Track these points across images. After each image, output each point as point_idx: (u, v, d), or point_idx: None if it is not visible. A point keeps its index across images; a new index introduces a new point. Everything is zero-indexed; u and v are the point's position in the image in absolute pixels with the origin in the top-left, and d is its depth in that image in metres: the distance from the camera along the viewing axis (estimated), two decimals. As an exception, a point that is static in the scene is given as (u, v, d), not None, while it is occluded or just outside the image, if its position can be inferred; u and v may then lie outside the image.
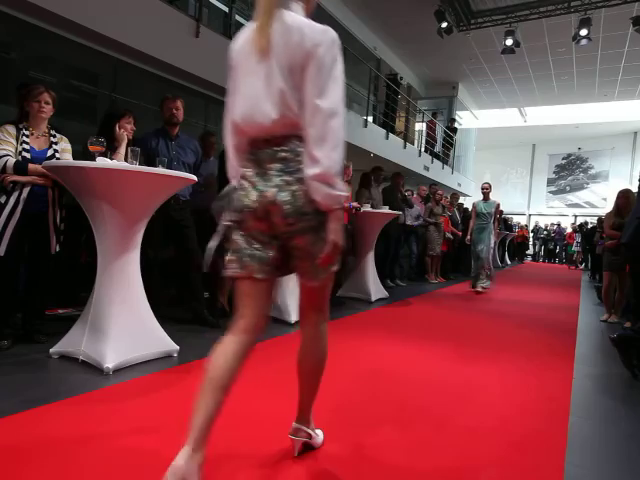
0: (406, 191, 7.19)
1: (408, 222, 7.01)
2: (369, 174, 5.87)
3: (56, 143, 2.78)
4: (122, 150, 2.98)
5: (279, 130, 1.37)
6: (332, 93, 1.32)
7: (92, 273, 2.60)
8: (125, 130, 3.11)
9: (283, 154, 1.38)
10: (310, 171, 1.32)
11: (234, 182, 1.50)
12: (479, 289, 6.90)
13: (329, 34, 1.35)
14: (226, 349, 1.51)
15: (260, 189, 1.38)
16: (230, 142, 1.51)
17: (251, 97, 1.39)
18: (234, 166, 1.51)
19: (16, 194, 2.59)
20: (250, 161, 1.43)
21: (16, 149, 2.61)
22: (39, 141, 2.73)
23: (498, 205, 6.95)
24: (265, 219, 1.39)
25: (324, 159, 1.30)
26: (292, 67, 1.33)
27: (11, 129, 2.63)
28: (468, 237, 7.04)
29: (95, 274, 2.58)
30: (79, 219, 3.03)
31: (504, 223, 13.59)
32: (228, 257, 1.46)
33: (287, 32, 1.33)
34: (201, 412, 1.34)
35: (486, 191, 6.91)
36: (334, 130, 1.31)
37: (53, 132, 2.80)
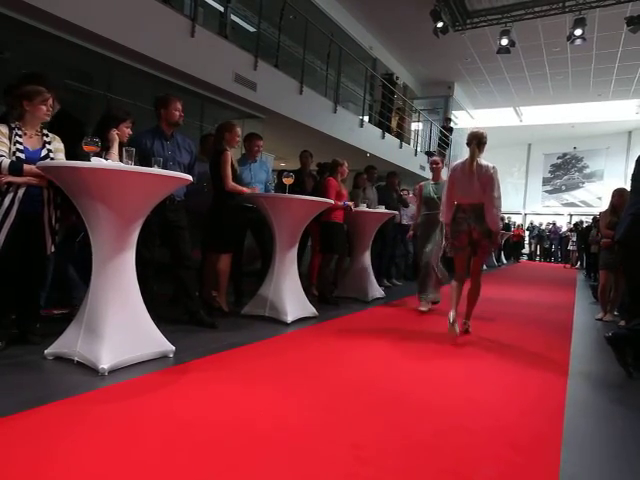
0: (402, 190, 7.15)
1: (404, 222, 7.00)
2: (363, 174, 5.88)
3: (49, 142, 2.76)
4: (115, 150, 2.97)
5: (474, 201, 3.59)
6: (498, 192, 3.55)
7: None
8: (122, 133, 3.10)
9: (476, 210, 3.59)
10: (489, 218, 3.53)
11: (443, 218, 3.86)
12: (423, 308, 4.85)
13: (495, 168, 3.58)
14: (456, 285, 3.80)
15: (468, 223, 3.61)
16: (449, 203, 3.73)
17: (464, 189, 3.63)
18: (448, 211, 3.74)
19: (11, 195, 2.57)
20: (462, 211, 3.66)
21: (9, 149, 2.59)
22: (32, 141, 2.70)
23: None
24: (469, 234, 3.62)
25: (495, 214, 3.53)
26: (481, 181, 3.54)
27: (3, 129, 2.60)
28: (411, 232, 5.60)
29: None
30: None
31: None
32: (450, 246, 3.75)
33: (479, 167, 3.56)
34: (453, 301, 3.69)
35: (437, 167, 4.94)
36: (499, 204, 3.56)
37: (45, 131, 2.78)
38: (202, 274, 4.10)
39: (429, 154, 12.79)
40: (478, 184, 3.55)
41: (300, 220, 3.99)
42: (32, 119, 2.69)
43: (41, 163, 2.52)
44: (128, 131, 3.17)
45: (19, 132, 2.64)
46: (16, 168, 2.55)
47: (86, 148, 2.41)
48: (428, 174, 12.28)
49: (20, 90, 2.67)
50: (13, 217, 2.58)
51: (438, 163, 4.95)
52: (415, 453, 1.75)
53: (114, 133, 3.02)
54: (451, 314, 3.58)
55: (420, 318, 4.67)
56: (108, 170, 2.32)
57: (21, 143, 2.63)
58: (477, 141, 3.64)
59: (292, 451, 1.70)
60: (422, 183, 5.02)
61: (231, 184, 3.78)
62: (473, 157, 3.60)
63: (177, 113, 3.37)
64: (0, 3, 3.75)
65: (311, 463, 1.62)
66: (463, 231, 3.64)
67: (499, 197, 3.56)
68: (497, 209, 3.55)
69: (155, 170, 2.48)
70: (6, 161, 2.53)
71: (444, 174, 4.92)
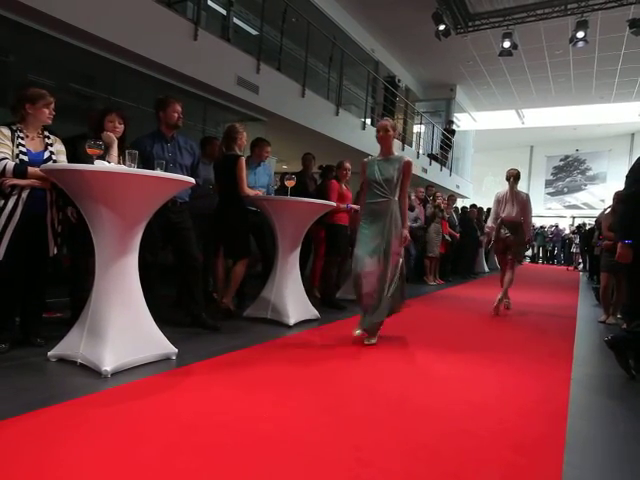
0: None
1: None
2: None
3: (51, 145, 2.77)
4: (114, 152, 2.96)
5: (513, 219, 5.17)
6: (530, 212, 5.26)
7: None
8: (113, 131, 3.02)
9: (515, 224, 5.17)
10: (526, 230, 5.26)
11: (487, 229, 5.57)
12: (364, 339, 3.46)
13: (528, 195, 5.31)
14: (501, 275, 5.48)
15: (506, 234, 5.20)
16: (495, 218, 5.29)
17: (506, 210, 5.18)
18: (493, 224, 5.31)
19: (15, 197, 2.58)
20: (504, 225, 5.19)
21: (12, 151, 2.60)
22: (34, 143, 2.71)
23: (407, 165, 3.41)
24: (505, 240, 5.21)
25: (529, 228, 5.35)
26: (519, 204, 5.15)
27: (5, 131, 2.60)
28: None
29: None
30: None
31: None
32: (494, 248, 5.66)
33: (517, 195, 5.19)
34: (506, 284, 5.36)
35: (386, 135, 3.45)
36: (530, 220, 5.36)
37: (46, 133, 2.79)
38: (207, 278, 4.13)
39: (432, 157, 12.79)
40: (516, 207, 5.16)
41: (302, 222, 3.99)
42: (34, 122, 2.70)
43: (45, 166, 2.53)
44: (113, 125, 3.04)
45: (21, 134, 2.65)
46: (20, 170, 2.57)
47: (89, 151, 2.42)
48: (430, 176, 12.35)
49: (22, 93, 2.68)
50: (17, 219, 2.59)
51: (388, 130, 3.42)
52: (417, 456, 1.75)
53: (110, 135, 2.99)
54: (499, 296, 5.22)
55: (419, 321, 4.67)
56: (111, 173, 2.33)
57: (24, 145, 2.64)
58: (514, 177, 5.30)
59: (294, 453, 1.70)
60: (366, 160, 3.57)
61: (246, 189, 3.83)
62: (512, 188, 5.26)
63: (176, 115, 3.37)
64: (5, 7, 3.78)
65: (313, 465, 1.62)
66: (502, 239, 5.25)
67: (531, 215, 5.30)
68: (529, 224, 5.32)
69: (157, 173, 2.49)
70: (10, 164, 2.54)
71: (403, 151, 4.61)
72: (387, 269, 3.40)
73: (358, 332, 3.58)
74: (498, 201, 5.30)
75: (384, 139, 3.48)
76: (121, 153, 2.96)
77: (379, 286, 3.42)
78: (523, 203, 5.13)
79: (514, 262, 5.29)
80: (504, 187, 5.35)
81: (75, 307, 3.15)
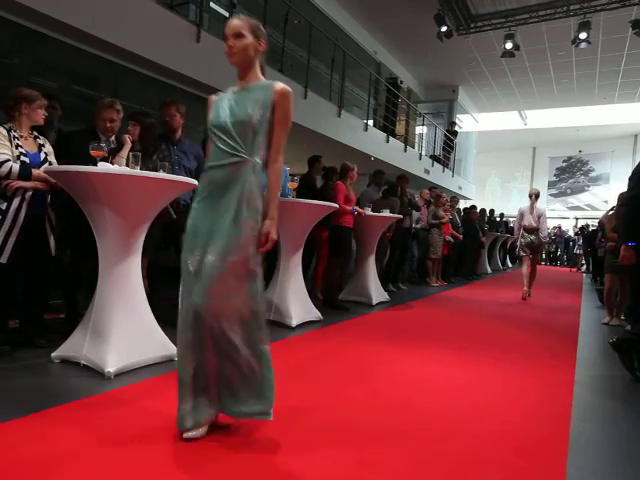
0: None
1: (412, 225, 7.00)
2: (395, 183, 6.28)
3: (43, 145, 2.78)
4: (123, 154, 2.97)
5: (533, 227, 6.75)
6: (546, 222, 6.88)
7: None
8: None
9: (534, 230, 6.78)
10: (542, 235, 6.83)
11: (515, 235, 7.22)
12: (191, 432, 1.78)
13: (545, 209, 7.07)
14: (525, 268, 6.98)
15: (530, 238, 6.79)
16: (519, 226, 6.90)
17: (528, 220, 6.77)
18: (518, 230, 6.94)
19: (18, 199, 2.58)
20: (526, 231, 6.83)
21: (12, 152, 2.60)
22: (28, 143, 2.71)
23: (281, 95, 1.81)
24: (532, 244, 6.81)
25: (545, 234, 6.92)
26: (537, 216, 6.74)
27: (3, 131, 2.60)
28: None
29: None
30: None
31: (505, 227, 13.34)
32: (522, 251, 6.93)
33: (537, 209, 6.81)
34: (525, 279, 6.98)
35: (240, 45, 1.80)
36: (546, 227, 6.92)
37: (35, 134, 2.79)
38: None
39: (434, 158, 12.78)
40: (536, 218, 6.71)
41: (305, 224, 3.99)
42: (27, 122, 2.69)
43: (48, 168, 2.54)
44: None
45: (15, 134, 2.65)
46: (25, 173, 2.57)
47: (92, 153, 2.43)
48: (432, 178, 12.34)
49: (18, 93, 2.67)
50: (22, 220, 2.60)
51: (242, 35, 1.82)
52: (418, 456, 1.75)
53: (126, 137, 3.03)
54: (525, 288, 6.89)
55: (422, 322, 4.66)
56: (115, 175, 2.34)
57: (21, 146, 2.64)
58: (535, 196, 6.76)
59: (295, 454, 1.70)
60: (215, 95, 2.09)
61: None
62: (533, 204, 6.76)
63: (167, 119, 3.41)
64: (8, 10, 3.80)
65: (314, 466, 1.62)
66: (528, 243, 6.77)
67: (546, 224, 6.85)
68: (545, 231, 6.82)
69: (162, 175, 2.50)
70: (15, 166, 2.54)
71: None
72: (227, 289, 1.81)
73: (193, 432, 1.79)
74: (522, 213, 6.93)
75: (238, 52, 1.84)
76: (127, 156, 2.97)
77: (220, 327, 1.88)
78: (541, 215, 6.78)
79: (536, 260, 7.08)
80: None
81: (70, 306, 3.21)
